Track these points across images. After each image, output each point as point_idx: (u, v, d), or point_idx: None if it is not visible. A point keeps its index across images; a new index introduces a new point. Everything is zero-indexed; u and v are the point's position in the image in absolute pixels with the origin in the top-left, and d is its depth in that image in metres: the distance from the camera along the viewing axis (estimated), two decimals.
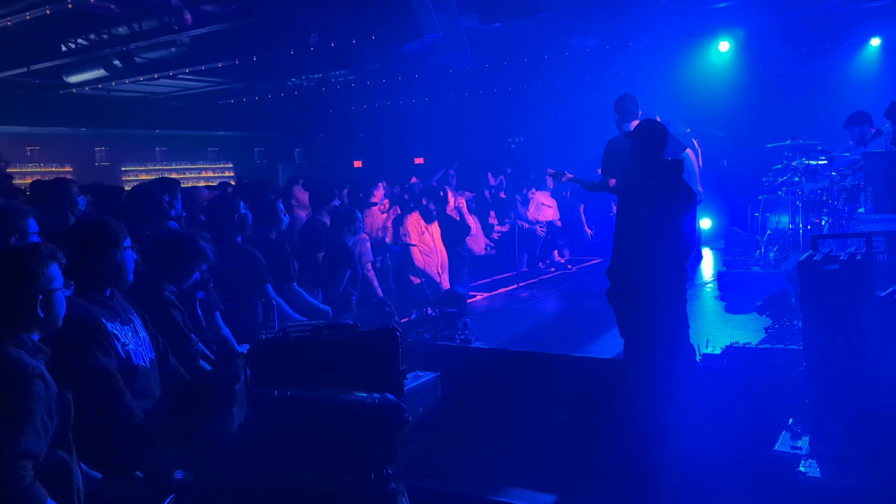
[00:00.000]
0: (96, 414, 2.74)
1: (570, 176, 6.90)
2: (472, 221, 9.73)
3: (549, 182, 11.16)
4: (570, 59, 11.66)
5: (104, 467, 2.69)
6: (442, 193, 8.34)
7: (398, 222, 8.27)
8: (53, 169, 13.60)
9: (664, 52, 10.90)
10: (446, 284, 7.87)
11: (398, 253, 7.90)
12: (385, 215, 9.00)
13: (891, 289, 4.17)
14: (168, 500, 2.59)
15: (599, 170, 7.05)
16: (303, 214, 7.02)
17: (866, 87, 10.54)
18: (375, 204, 9.15)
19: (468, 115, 14.59)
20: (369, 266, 7.00)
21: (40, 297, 2.41)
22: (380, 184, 9.44)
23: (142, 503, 2.58)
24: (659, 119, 7.04)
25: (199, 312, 4.25)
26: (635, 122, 6.46)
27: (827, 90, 11.23)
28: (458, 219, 9.16)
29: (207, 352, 3.85)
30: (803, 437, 4.08)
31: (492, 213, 10.79)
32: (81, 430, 2.48)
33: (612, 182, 6.47)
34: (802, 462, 3.85)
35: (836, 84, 11.25)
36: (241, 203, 5.11)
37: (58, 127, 13.88)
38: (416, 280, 7.63)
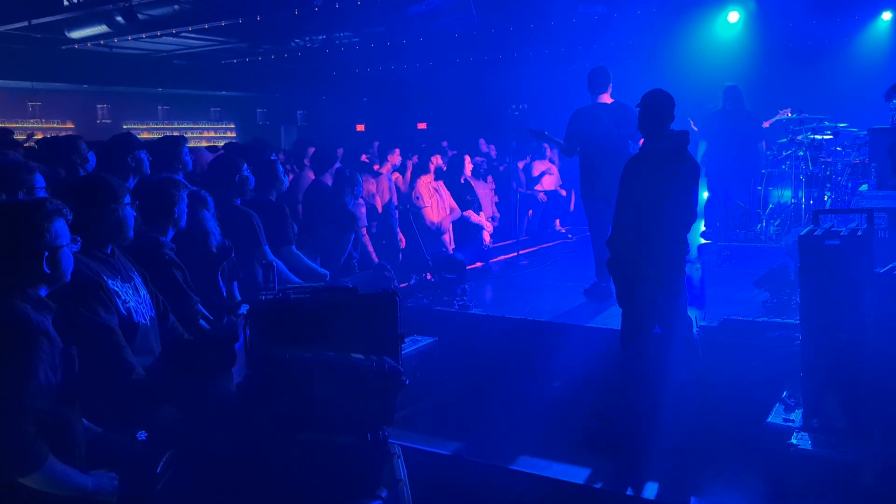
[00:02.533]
0: (97, 370, 2.76)
1: (547, 135, 6.92)
2: (479, 189, 9.70)
3: (548, 151, 11.12)
4: (577, 26, 11.51)
5: (105, 423, 2.72)
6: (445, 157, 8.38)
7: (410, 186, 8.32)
8: (54, 125, 13.53)
9: (673, 21, 10.76)
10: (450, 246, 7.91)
11: (405, 216, 7.89)
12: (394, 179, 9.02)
13: (890, 265, 4.17)
14: (166, 456, 2.63)
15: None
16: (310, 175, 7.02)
17: (876, 62, 10.43)
18: (379, 172, 9.14)
19: (473, 81, 14.47)
20: (364, 231, 7.02)
21: (46, 253, 2.40)
22: (396, 149, 9.47)
23: (141, 459, 2.61)
24: None
25: (221, 283, 4.26)
26: (604, 96, 6.48)
27: (836, 64, 11.12)
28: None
29: (206, 312, 3.86)
30: (796, 410, 4.12)
31: (489, 179, 10.77)
32: (82, 386, 2.50)
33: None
34: (795, 434, 3.89)
35: (846, 58, 11.13)
36: (245, 165, 5.08)
37: (59, 83, 13.77)
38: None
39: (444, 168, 8.95)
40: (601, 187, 6.29)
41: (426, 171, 8.29)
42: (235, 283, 4.43)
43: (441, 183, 8.33)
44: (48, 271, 2.41)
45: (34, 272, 2.40)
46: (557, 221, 10.88)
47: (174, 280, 3.69)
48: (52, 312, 2.42)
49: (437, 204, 8.00)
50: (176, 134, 6.19)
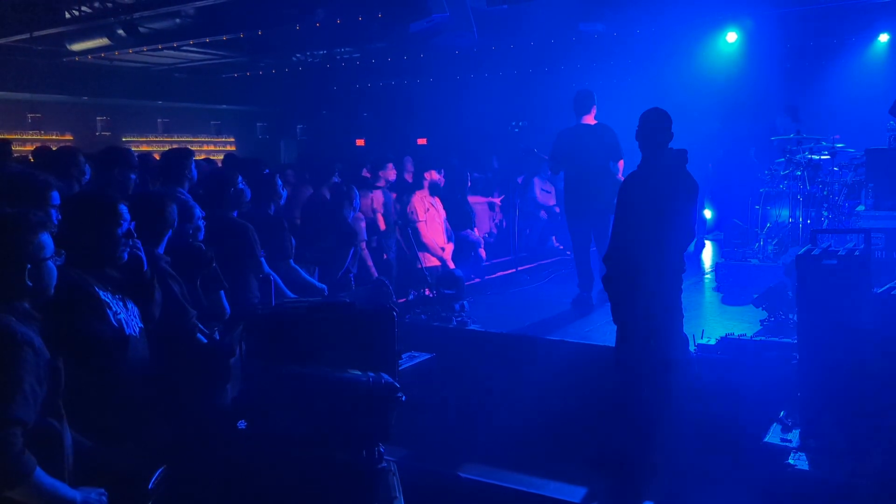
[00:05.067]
0: (89, 381, 2.74)
1: (536, 153, 7.24)
2: (475, 206, 9.73)
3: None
4: (577, 44, 11.58)
5: (95, 436, 2.69)
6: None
7: (404, 201, 8.29)
8: (54, 137, 13.52)
9: (671, 40, 10.83)
10: (451, 263, 7.89)
11: (404, 231, 7.91)
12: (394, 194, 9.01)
13: (887, 285, 4.17)
14: (159, 471, 2.60)
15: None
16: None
17: (873, 84, 10.48)
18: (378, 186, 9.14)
19: (472, 97, 14.51)
20: (363, 245, 7.01)
21: (28, 265, 2.37)
22: (389, 164, 9.45)
23: (132, 473, 2.59)
24: None
25: (199, 290, 4.22)
26: (588, 117, 6.84)
27: (833, 85, 11.17)
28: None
29: (201, 326, 3.83)
30: (794, 430, 4.10)
31: (496, 195, 10.80)
32: (73, 398, 2.48)
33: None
34: (792, 454, 3.87)
35: (843, 79, 11.19)
36: (239, 178, 5.07)
37: (59, 95, 13.78)
38: (431, 260, 7.63)
39: (441, 184, 8.95)
40: (583, 204, 6.76)
41: (420, 186, 8.29)
42: (222, 292, 4.38)
43: (437, 199, 8.33)
44: (30, 284, 2.38)
45: (16, 285, 2.36)
46: (554, 238, 10.88)
47: (172, 293, 3.66)
48: (38, 323, 2.39)
49: (432, 220, 8.00)
50: (176, 147, 6.17)
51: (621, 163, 6.91)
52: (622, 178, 6.92)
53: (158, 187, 4.54)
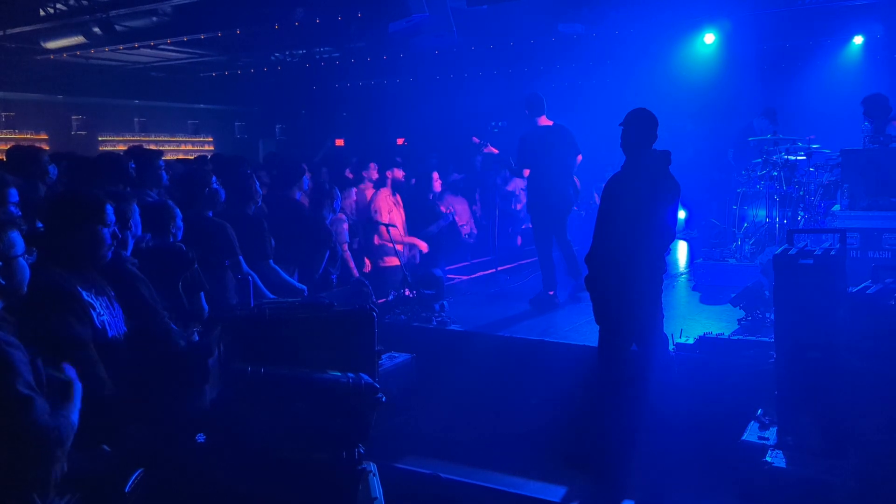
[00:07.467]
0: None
1: (494, 150, 7.48)
2: (456, 205, 9.72)
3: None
4: (557, 45, 11.63)
5: (73, 438, 2.65)
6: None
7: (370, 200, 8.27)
8: (28, 136, 13.33)
9: (650, 41, 10.91)
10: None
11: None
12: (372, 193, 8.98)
13: (862, 285, 4.23)
14: (135, 475, 2.57)
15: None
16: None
17: (848, 85, 10.63)
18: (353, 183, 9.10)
19: (452, 98, 14.52)
20: (345, 247, 6.97)
21: (0, 263, 2.35)
22: (371, 164, 9.42)
23: (109, 476, 2.55)
24: None
25: (181, 292, 4.17)
26: (542, 118, 6.97)
27: (809, 86, 11.32)
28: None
29: (174, 326, 3.79)
30: (771, 428, 4.14)
31: (476, 196, 10.82)
32: (50, 399, 2.44)
33: (526, 172, 7.05)
34: (769, 452, 3.91)
35: (819, 80, 11.34)
36: (214, 178, 5.03)
37: (34, 93, 13.59)
38: (392, 261, 7.62)
39: (405, 183, 8.94)
40: (547, 203, 6.93)
41: (384, 184, 8.26)
42: (202, 294, 4.34)
43: (398, 197, 8.31)
44: (2, 282, 2.35)
45: None
46: None
47: (140, 295, 3.61)
48: (11, 326, 2.35)
49: (396, 218, 7.97)
50: (153, 147, 6.04)
51: (579, 157, 7.11)
52: (577, 179, 7.21)
53: (123, 189, 4.46)
